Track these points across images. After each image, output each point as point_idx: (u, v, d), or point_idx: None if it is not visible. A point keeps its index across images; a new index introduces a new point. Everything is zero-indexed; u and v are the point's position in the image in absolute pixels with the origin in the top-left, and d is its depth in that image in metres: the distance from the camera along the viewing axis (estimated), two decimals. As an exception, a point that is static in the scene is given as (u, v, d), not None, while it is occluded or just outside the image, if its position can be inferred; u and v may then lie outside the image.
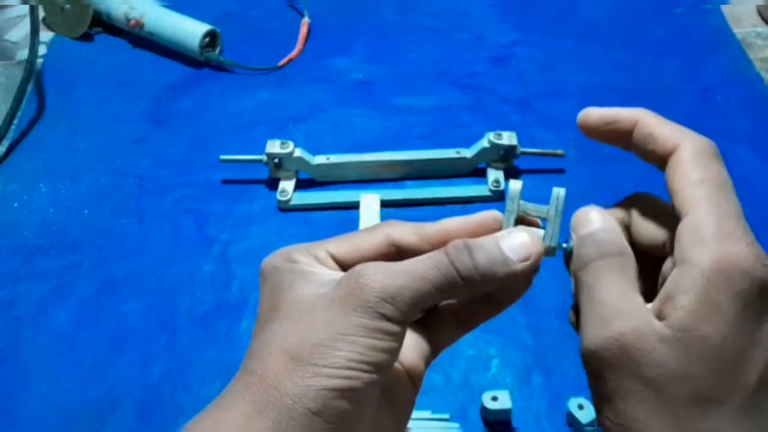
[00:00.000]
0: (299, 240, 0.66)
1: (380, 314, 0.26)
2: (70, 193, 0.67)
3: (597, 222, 0.30)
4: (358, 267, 0.27)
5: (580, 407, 0.48)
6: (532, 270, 0.29)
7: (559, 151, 0.65)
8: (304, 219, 0.64)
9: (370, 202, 0.61)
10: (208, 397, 0.53)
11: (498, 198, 0.64)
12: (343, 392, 0.25)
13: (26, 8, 0.79)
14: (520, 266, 0.28)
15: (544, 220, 0.31)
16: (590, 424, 0.48)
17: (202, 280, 0.59)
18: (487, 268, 0.27)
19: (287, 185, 0.65)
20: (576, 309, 0.29)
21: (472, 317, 0.32)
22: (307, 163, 0.64)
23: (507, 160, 0.65)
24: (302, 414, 0.25)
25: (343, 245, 0.30)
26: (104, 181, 0.68)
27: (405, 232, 0.30)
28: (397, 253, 0.30)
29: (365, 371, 0.26)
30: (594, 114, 0.31)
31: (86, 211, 0.65)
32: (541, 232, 0.30)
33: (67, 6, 0.82)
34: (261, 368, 0.26)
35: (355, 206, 0.62)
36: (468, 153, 0.65)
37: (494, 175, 0.65)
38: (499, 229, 0.30)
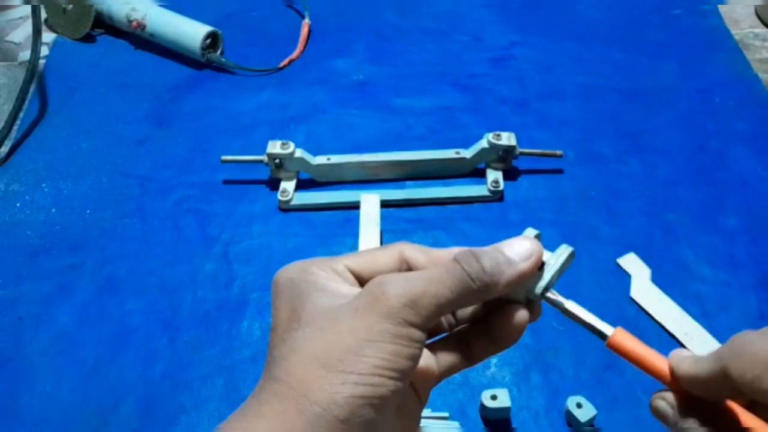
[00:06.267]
0: (300, 240, 0.67)
1: (404, 320, 0.27)
2: (72, 194, 0.67)
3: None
4: (378, 277, 0.28)
5: (579, 406, 0.49)
6: (533, 269, 0.30)
7: (558, 152, 0.65)
8: (305, 219, 0.64)
9: (370, 202, 0.61)
10: (209, 396, 0.54)
11: (497, 198, 0.65)
12: (369, 399, 0.26)
13: (28, 9, 0.80)
14: (524, 264, 0.30)
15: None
16: (589, 422, 0.48)
17: (203, 280, 0.60)
18: (493, 268, 0.29)
19: (288, 185, 0.65)
20: None
21: (475, 352, 0.33)
22: (307, 163, 0.65)
23: (506, 160, 0.65)
24: (331, 422, 0.25)
25: (359, 260, 0.31)
26: (106, 182, 0.68)
27: (416, 251, 0.32)
28: (407, 269, 0.32)
29: (391, 378, 0.26)
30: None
31: (88, 211, 0.66)
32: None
33: (69, 7, 0.82)
34: (288, 376, 0.27)
35: (355, 206, 0.62)
36: (467, 153, 0.66)
37: (493, 175, 0.65)
38: None
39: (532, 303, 0.32)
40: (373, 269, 0.31)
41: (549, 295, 0.31)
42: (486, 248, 0.30)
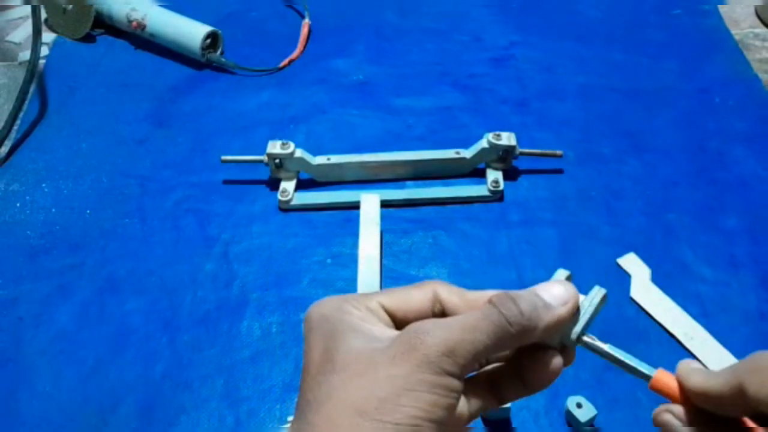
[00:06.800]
0: (300, 240, 0.67)
1: (442, 369, 0.27)
2: (72, 194, 0.67)
3: None
4: (415, 324, 0.28)
5: (579, 406, 0.49)
6: (571, 314, 0.30)
7: (558, 152, 0.65)
8: (305, 219, 0.64)
9: (370, 202, 0.61)
10: (209, 396, 0.54)
11: (497, 198, 0.65)
12: None
13: (28, 9, 0.80)
14: (562, 309, 0.30)
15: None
16: (588, 422, 0.48)
17: (203, 280, 0.60)
18: (531, 312, 0.29)
19: (288, 185, 0.65)
20: None
21: (505, 394, 0.32)
22: (307, 163, 0.65)
23: (506, 160, 0.65)
24: None
25: (394, 298, 0.31)
26: (106, 182, 0.68)
27: (450, 293, 0.32)
28: (441, 311, 0.32)
29: (427, 428, 0.26)
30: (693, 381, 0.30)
31: (88, 211, 0.66)
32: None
33: (69, 7, 0.82)
34: (324, 422, 0.27)
35: (355, 206, 0.62)
36: (467, 153, 0.66)
37: (493, 175, 0.65)
38: None
39: (566, 348, 0.31)
40: (407, 309, 0.31)
41: (585, 339, 0.31)
42: (522, 292, 0.30)
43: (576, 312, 0.31)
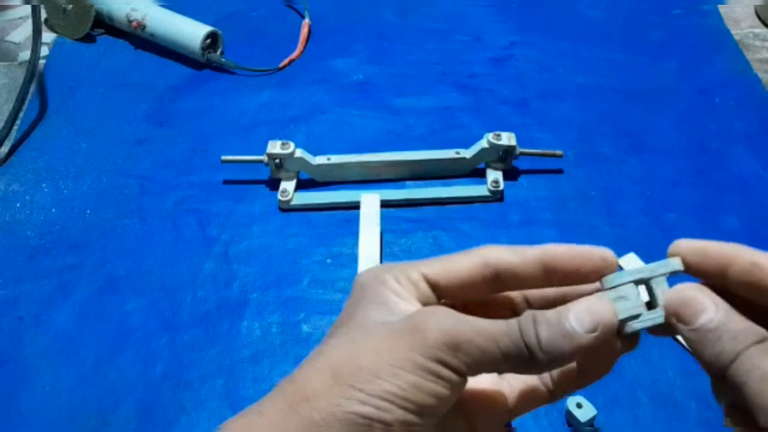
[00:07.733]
0: (300, 240, 0.67)
1: (436, 358, 0.25)
2: (72, 194, 0.67)
3: (712, 310, 0.25)
4: (430, 307, 0.27)
5: (579, 406, 0.49)
6: (602, 342, 0.26)
7: (558, 152, 0.65)
8: (305, 219, 0.64)
9: (370, 202, 0.61)
10: (209, 396, 0.54)
11: (497, 198, 0.65)
12: (371, 422, 0.25)
13: (28, 9, 0.80)
14: (585, 338, 0.25)
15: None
16: (589, 422, 0.48)
17: (203, 280, 0.60)
18: (549, 342, 0.25)
19: (288, 185, 0.65)
20: (736, 410, 0.25)
21: (556, 386, 0.30)
22: (307, 163, 0.65)
23: (506, 160, 0.65)
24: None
25: (438, 265, 0.29)
26: (106, 182, 0.68)
27: (502, 252, 0.28)
28: (494, 276, 0.28)
29: (402, 407, 0.25)
30: (683, 245, 0.27)
31: (88, 211, 0.66)
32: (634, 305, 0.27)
33: (69, 7, 0.82)
34: (301, 378, 0.26)
35: (355, 206, 0.62)
36: (467, 153, 0.66)
37: (493, 175, 0.65)
38: (605, 270, 0.27)
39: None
40: (450, 277, 0.29)
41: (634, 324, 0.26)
42: (550, 312, 0.26)
43: (610, 332, 0.26)
